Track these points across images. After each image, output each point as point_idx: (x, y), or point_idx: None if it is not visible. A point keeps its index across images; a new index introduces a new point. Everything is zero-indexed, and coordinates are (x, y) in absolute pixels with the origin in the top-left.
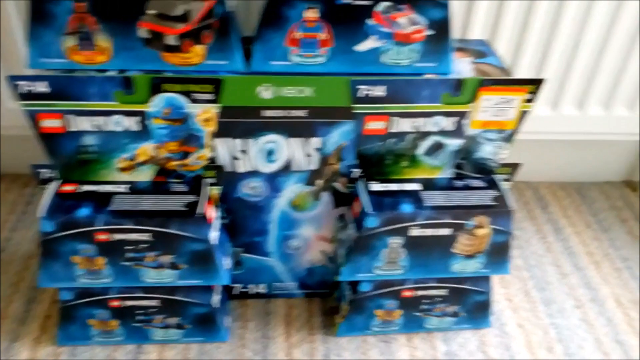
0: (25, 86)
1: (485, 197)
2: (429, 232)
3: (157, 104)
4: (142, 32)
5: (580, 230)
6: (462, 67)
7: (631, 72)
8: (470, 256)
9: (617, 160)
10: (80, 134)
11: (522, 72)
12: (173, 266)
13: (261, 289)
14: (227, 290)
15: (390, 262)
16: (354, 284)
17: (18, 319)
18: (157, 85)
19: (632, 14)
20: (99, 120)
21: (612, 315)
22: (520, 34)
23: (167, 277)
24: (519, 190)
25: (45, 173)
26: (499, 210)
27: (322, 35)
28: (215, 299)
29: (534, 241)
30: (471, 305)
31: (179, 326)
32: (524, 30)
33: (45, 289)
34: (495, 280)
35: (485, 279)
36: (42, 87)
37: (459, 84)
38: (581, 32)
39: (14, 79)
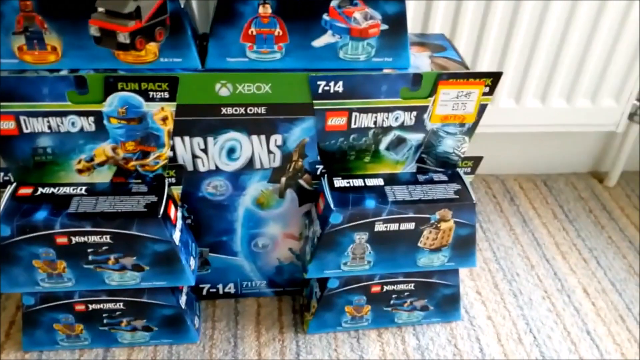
0: None
1: (448, 191)
2: (393, 227)
3: (112, 103)
4: (93, 30)
5: (547, 221)
6: (421, 61)
7: (591, 65)
8: (435, 250)
9: (583, 151)
10: (35, 135)
11: (484, 65)
12: (136, 268)
13: (230, 288)
14: (195, 291)
15: (356, 257)
16: (323, 281)
17: None
18: (111, 84)
19: (589, 7)
20: (54, 121)
21: (579, 305)
22: (481, 28)
23: (130, 279)
24: (487, 183)
25: (1, 176)
26: (461, 203)
27: (277, 30)
28: (183, 299)
29: (502, 233)
30: (440, 298)
31: (146, 328)
32: (484, 24)
33: (10, 295)
34: (465, 273)
35: (453, 272)
36: None
37: (417, 79)
38: (541, 25)
39: None
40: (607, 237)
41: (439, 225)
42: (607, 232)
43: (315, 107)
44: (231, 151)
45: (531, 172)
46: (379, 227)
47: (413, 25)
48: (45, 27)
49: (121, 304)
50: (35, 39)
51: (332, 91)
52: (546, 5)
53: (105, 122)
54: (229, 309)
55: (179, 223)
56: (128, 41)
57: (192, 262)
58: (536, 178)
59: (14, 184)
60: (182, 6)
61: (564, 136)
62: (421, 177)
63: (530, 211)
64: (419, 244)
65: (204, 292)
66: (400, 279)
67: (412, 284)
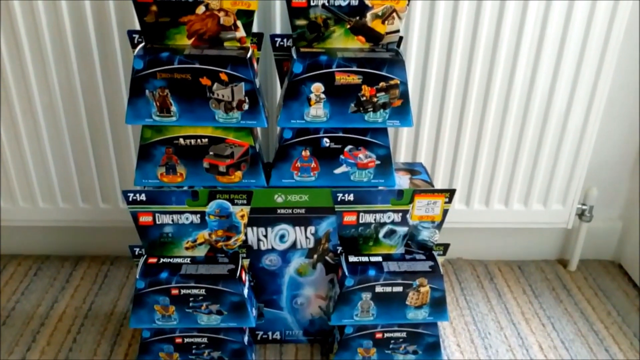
0: (132, 195)
1: (425, 266)
2: (388, 289)
3: (211, 206)
4: (205, 164)
5: (517, 295)
6: (403, 181)
7: (539, 178)
8: (418, 307)
9: (550, 243)
10: (163, 225)
11: (459, 180)
12: (219, 312)
13: (276, 335)
14: (252, 336)
15: (364, 311)
16: (341, 328)
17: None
18: (212, 194)
19: (533, 134)
20: (175, 217)
21: (535, 356)
22: (454, 156)
23: (214, 320)
24: (473, 267)
25: (138, 251)
26: (434, 274)
27: (313, 164)
28: (246, 339)
29: (481, 304)
30: (425, 345)
31: (220, 358)
32: (456, 152)
33: (125, 332)
34: (449, 330)
35: (434, 325)
36: (141, 196)
37: (400, 193)
38: (498, 147)
39: (125, 192)
40: (563, 309)
41: (419, 289)
42: (564, 305)
43: (336, 209)
44: (282, 237)
45: (509, 259)
46: (379, 289)
47: (406, 154)
48: (178, 162)
49: (205, 338)
50: (171, 169)
51: (346, 200)
52: (500, 136)
53: (206, 218)
54: (275, 352)
55: (247, 284)
56: (225, 171)
57: (254, 311)
58: (512, 263)
59: (145, 256)
60: (257, 150)
61: (535, 231)
62: (407, 257)
63: (504, 288)
64: (407, 302)
65: (258, 338)
66: (396, 328)
67: (405, 333)
